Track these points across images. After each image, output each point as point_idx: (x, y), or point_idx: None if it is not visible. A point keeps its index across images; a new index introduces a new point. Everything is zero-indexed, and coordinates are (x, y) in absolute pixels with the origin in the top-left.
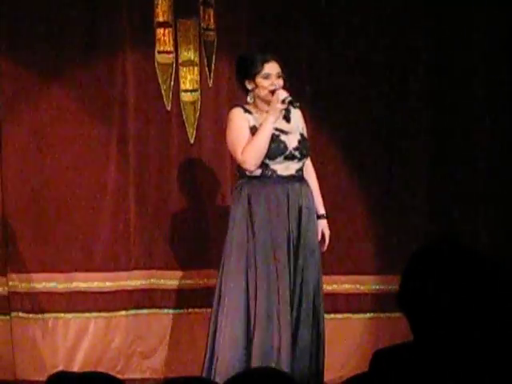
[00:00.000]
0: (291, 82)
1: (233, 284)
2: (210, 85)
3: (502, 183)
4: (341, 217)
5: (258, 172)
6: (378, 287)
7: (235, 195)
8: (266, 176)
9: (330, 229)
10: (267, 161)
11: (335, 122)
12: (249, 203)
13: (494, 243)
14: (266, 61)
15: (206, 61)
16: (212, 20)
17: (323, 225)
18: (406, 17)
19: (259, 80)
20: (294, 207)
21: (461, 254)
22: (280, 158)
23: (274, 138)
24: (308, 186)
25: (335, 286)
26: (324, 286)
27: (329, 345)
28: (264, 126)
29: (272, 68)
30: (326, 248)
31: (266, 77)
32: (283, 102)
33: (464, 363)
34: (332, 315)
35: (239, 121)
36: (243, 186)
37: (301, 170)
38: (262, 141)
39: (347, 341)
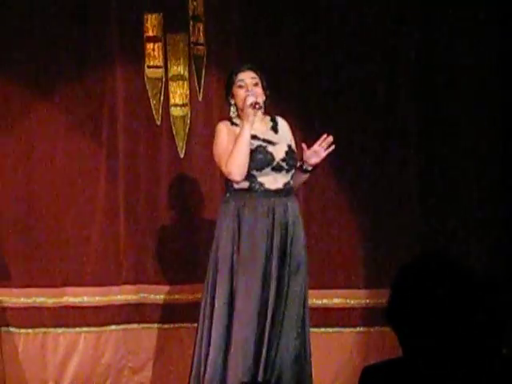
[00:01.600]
0: (276, 90)
1: (217, 298)
2: (200, 99)
3: (492, 188)
4: (331, 231)
5: (246, 185)
6: (368, 301)
7: (222, 209)
8: (253, 189)
9: (320, 243)
10: (255, 172)
11: (324, 129)
12: (237, 216)
13: (484, 251)
14: (240, 70)
15: (195, 75)
16: (201, 34)
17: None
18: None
19: (235, 90)
20: (279, 222)
21: (449, 268)
22: (267, 169)
23: (261, 150)
24: (295, 200)
25: (326, 301)
26: (314, 301)
27: (319, 359)
28: (240, 133)
29: (246, 76)
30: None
31: (240, 86)
32: (252, 106)
33: (452, 377)
34: (323, 329)
35: (224, 134)
36: (230, 199)
37: (289, 183)
38: (241, 148)
39: (338, 355)
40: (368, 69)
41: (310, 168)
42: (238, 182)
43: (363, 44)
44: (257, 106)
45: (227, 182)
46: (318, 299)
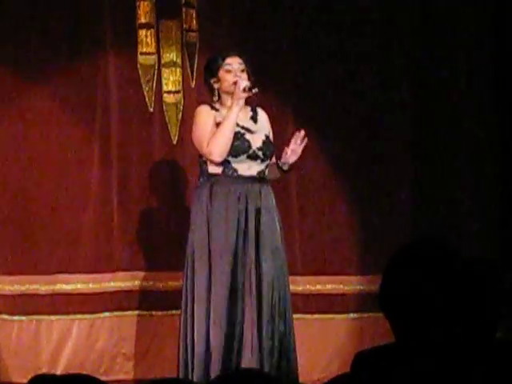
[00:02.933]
0: (266, 77)
1: (197, 285)
2: (193, 86)
3: (486, 182)
4: (324, 218)
5: (219, 170)
6: (361, 287)
7: (196, 194)
8: (227, 175)
9: (314, 229)
10: (230, 158)
11: (318, 122)
12: (208, 202)
13: (478, 238)
14: (228, 55)
15: (188, 62)
16: (194, 21)
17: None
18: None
19: (222, 74)
20: (251, 208)
21: (441, 254)
22: (243, 157)
23: (239, 136)
24: (269, 188)
25: (319, 287)
26: (308, 287)
27: (312, 345)
28: (228, 115)
29: (234, 61)
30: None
31: (228, 70)
32: (244, 90)
33: (445, 363)
34: (316, 315)
35: (205, 117)
36: (203, 184)
37: (262, 172)
38: (227, 130)
39: (331, 341)
40: (362, 58)
41: (287, 167)
42: (216, 164)
43: (359, 33)
44: (247, 89)
45: (202, 166)
46: (312, 285)
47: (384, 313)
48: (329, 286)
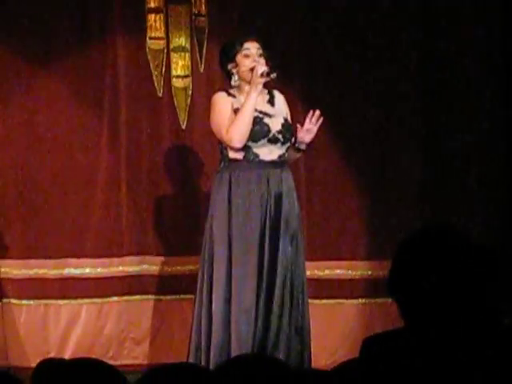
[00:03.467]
0: (276, 63)
1: (216, 269)
2: (202, 70)
3: (495, 164)
4: (333, 202)
5: (241, 155)
6: (370, 273)
7: (216, 179)
8: (248, 160)
9: (322, 214)
10: (250, 143)
11: (326, 110)
12: (229, 188)
13: (486, 225)
14: (246, 40)
15: (197, 47)
16: (203, 6)
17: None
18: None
19: (239, 59)
20: (274, 193)
21: (450, 239)
22: (263, 141)
23: (258, 121)
24: (289, 171)
25: (328, 272)
26: (316, 272)
27: (321, 330)
28: (246, 101)
29: (251, 45)
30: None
31: (246, 55)
32: (262, 75)
33: (453, 348)
34: (324, 301)
35: (223, 103)
36: (224, 170)
37: (283, 155)
38: (246, 115)
39: (339, 326)
40: (372, 50)
41: (304, 147)
42: (236, 150)
43: (368, 25)
44: (264, 74)
45: (222, 152)
46: (321, 270)
47: (393, 298)
48: (337, 271)
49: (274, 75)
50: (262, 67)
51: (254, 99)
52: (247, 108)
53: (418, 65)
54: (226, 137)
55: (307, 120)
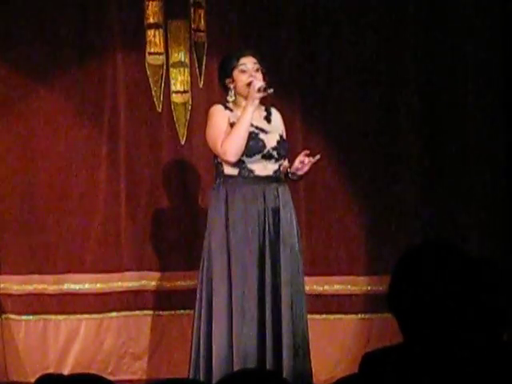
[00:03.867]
0: (275, 77)
1: (216, 285)
2: (201, 86)
3: (496, 175)
4: (332, 217)
5: (236, 171)
6: (369, 288)
7: (212, 195)
8: (243, 176)
9: (322, 230)
10: (245, 158)
11: (326, 120)
12: (226, 203)
13: (486, 239)
14: (242, 55)
15: (196, 62)
16: (203, 21)
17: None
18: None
19: (236, 74)
20: (270, 208)
21: (450, 254)
22: (257, 157)
23: (253, 136)
24: (285, 186)
25: (327, 287)
26: (315, 287)
27: (320, 345)
28: (243, 115)
29: (248, 60)
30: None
31: (243, 71)
32: (259, 90)
33: (453, 364)
34: (324, 316)
35: (219, 116)
36: (220, 186)
37: (278, 171)
38: (242, 130)
39: (339, 342)
40: (370, 51)
41: (296, 178)
42: (231, 164)
43: (365, 28)
44: (261, 89)
45: (218, 168)
46: (319, 285)
47: (392, 313)
48: (337, 287)
49: (270, 90)
50: (259, 82)
51: (250, 114)
52: (243, 122)
53: (418, 68)
54: (220, 150)
55: (302, 153)
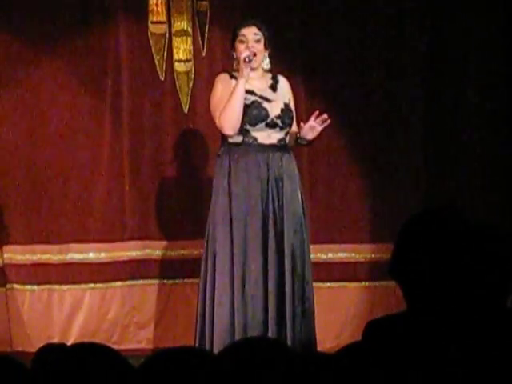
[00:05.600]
0: (279, 46)
1: (220, 252)
2: (204, 54)
3: (501, 144)
4: (336, 186)
5: (239, 139)
6: (373, 256)
7: (217, 163)
8: (247, 144)
9: (325, 197)
10: (248, 127)
11: (330, 92)
12: (229, 171)
13: (490, 206)
14: (243, 25)
15: (199, 31)
16: None
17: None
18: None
19: (237, 45)
20: (274, 176)
21: (451, 221)
22: (261, 125)
23: (256, 105)
24: (291, 155)
25: (331, 255)
26: (319, 255)
27: (324, 314)
28: (235, 88)
29: (248, 31)
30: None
31: (241, 41)
32: (244, 60)
33: (456, 331)
34: (328, 284)
35: (222, 86)
36: (224, 153)
37: (283, 140)
38: (233, 103)
39: (343, 309)
40: (373, 29)
41: (304, 142)
42: (230, 136)
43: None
44: (246, 60)
45: (222, 136)
46: (324, 253)
47: (396, 280)
48: (340, 255)
49: (251, 58)
50: (245, 53)
51: (241, 85)
52: (235, 95)
53: (424, 54)
54: (218, 124)
55: (312, 118)
